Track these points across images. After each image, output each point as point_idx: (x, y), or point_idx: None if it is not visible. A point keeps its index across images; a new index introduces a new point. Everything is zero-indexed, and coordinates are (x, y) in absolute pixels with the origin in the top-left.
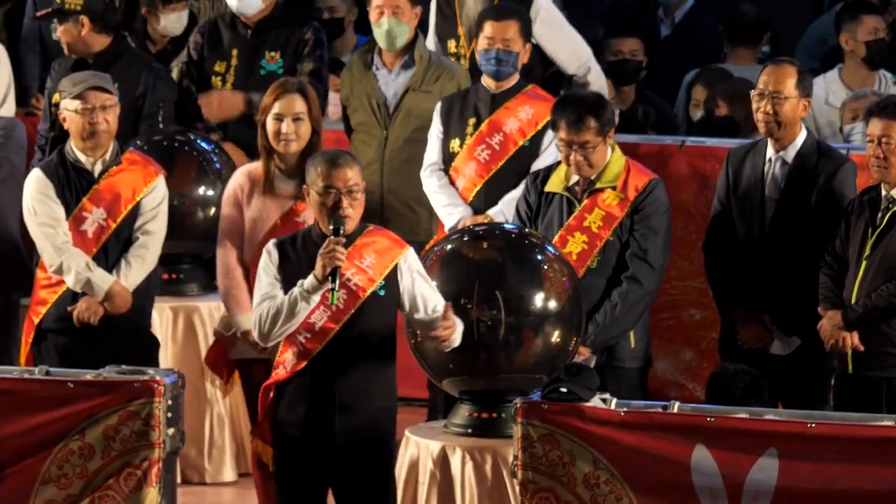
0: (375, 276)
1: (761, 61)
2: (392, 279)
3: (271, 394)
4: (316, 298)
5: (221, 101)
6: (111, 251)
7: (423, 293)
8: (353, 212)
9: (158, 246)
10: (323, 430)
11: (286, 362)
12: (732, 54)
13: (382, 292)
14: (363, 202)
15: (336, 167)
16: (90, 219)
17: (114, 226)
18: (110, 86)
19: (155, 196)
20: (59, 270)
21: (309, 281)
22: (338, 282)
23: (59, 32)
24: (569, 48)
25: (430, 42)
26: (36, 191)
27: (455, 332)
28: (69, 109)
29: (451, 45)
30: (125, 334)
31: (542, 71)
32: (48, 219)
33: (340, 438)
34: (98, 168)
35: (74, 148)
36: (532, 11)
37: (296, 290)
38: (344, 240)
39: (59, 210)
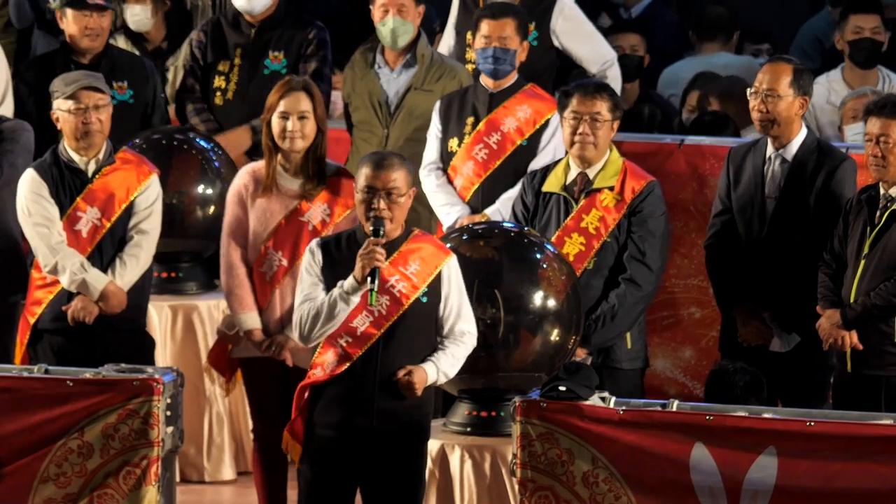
0: (419, 283)
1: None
2: (435, 287)
3: (307, 394)
4: (356, 300)
5: (226, 145)
6: (106, 251)
7: (459, 309)
8: (391, 214)
9: (153, 245)
10: (360, 434)
11: (325, 364)
12: (700, 48)
13: (425, 299)
14: (406, 206)
15: (379, 168)
16: (84, 218)
17: (108, 225)
18: (103, 85)
19: (149, 195)
20: (54, 270)
21: (349, 282)
22: (377, 283)
23: (90, 21)
24: (591, 47)
25: (448, 36)
26: (30, 191)
27: (417, 382)
28: (62, 109)
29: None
30: (121, 333)
31: (558, 69)
32: (42, 219)
33: (376, 442)
34: (92, 167)
35: (68, 148)
36: (556, 9)
37: (335, 292)
38: (383, 240)
39: (54, 210)
